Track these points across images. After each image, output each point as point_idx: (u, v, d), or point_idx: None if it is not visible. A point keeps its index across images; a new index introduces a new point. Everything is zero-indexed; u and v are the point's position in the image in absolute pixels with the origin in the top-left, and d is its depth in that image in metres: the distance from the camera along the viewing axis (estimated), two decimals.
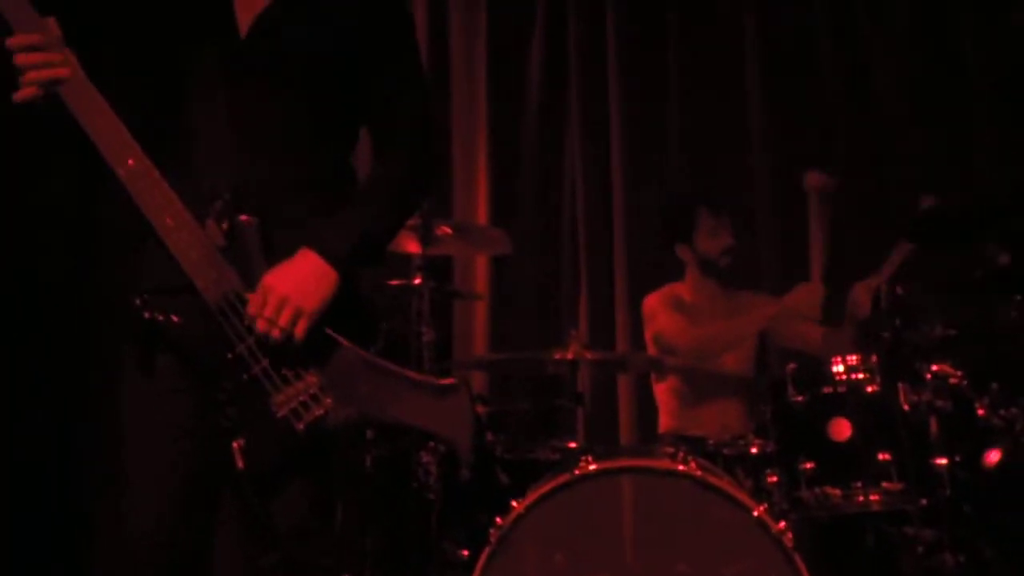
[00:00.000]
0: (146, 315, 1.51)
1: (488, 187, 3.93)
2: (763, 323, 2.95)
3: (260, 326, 1.50)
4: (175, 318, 1.51)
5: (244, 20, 1.61)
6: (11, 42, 1.45)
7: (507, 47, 4.02)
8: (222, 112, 1.58)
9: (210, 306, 1.52)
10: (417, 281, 2.86)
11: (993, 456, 2.42)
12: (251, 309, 1.51)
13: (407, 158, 1.67)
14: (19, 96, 1.47)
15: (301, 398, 1.52)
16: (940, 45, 3.72)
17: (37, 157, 2.99)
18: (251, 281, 1.53)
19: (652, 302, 3.22)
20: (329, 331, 1.55)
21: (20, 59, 1.46)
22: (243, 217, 1.53)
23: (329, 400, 1.53)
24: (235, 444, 1.49)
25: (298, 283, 1.51)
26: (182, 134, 1.60)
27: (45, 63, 1.46)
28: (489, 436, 2.79)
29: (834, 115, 3.76)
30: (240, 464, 1.49)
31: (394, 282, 2.97)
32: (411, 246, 2.93)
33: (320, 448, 1.54)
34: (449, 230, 2.95)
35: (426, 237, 2.87)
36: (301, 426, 1.51)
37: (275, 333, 1.51)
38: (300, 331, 1.51)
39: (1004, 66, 3.48)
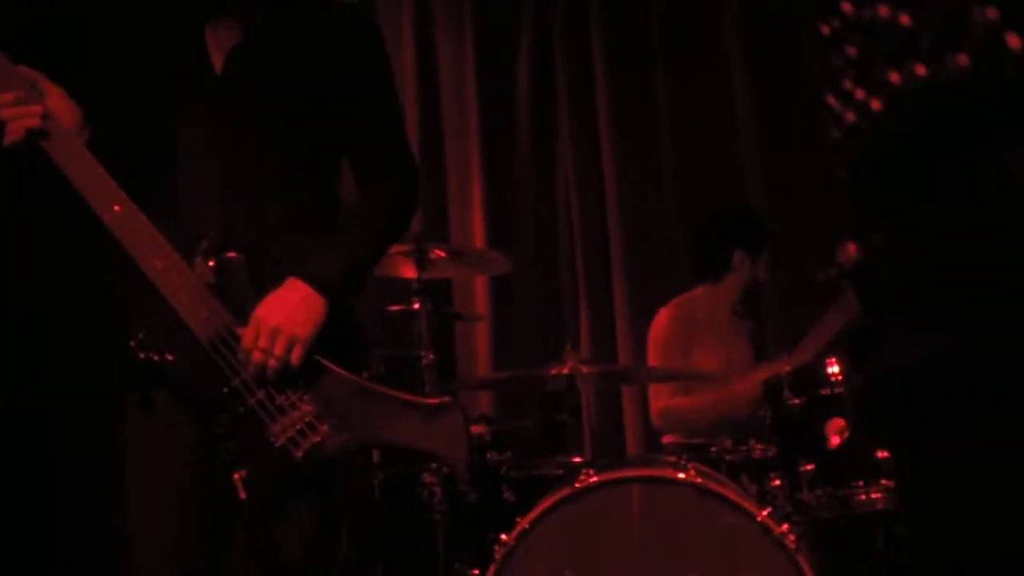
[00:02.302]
0: (141, 355, 1.56)
1: (483, 209, 3.98)
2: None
3: (256, 357, 1.54)
4: (169, 356, 1.56)
5: (217, 59, 1.66)
6: None
7: (495, 69, 4.07)
8: (204, 151, 1.63)
9: (203, 343, 1.56)
10: (416, 306, 2.90)
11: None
12: (245, 342, 1.55)
13: (389, 187, 1.73)
14: (6, 141, 1.55)
15: (298, 426, 1.57)
16: None
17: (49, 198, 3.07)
18: (242, 316, 1.57)
19: (662, 329, 3.15)
20: (321, 359, 1.59)
21: (2, 113, 1.54)
22: (230, 254, 1.58)
23: (325, 427, 1.57)
24: (236, 476, 1.54)
25: (289, 312, 1.55)
26: (166, 174, 1.65)
27: (24, 115, 1.53)
28: (495, 455, 2.82)
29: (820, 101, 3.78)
30: (242, 495, 1.53)
31: (393, 308, 3.01)
32: (408, 271, 2.97)
33: (321, 473, 1.58)
34: (444, 253, 2.99)
35: (422, 261, 2.91)
36: (299, 454, 1.56)
37: (271, 363, 1.55)
38: (296, 358, 1.56)
39: None
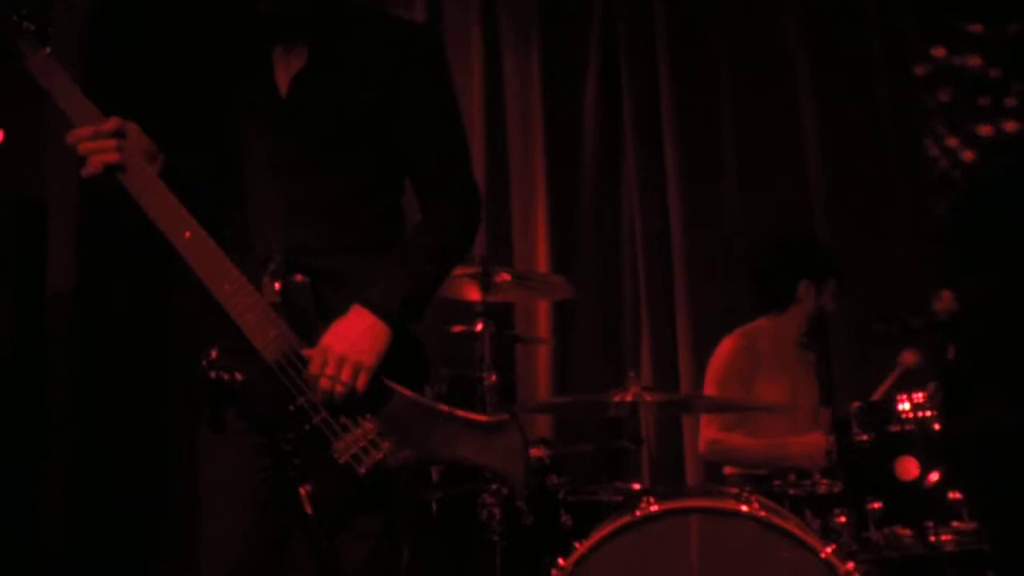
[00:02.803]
0: (212, 375, 1.61)
1: (547, 234, 3.99)
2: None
3: (323, 384, 1.58)
4: (239, 376, 1.60)
5: (283, 81, 1.70)
6: (71, 135, 1.61)
7: (562, 94, 4.09)
8: (269, 175, 1.68)
9: (270, 363, 1.60)
10: (479, 327, 2.92)
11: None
12: (312, 369, 1.59)
13: (450, 211, 1.74)
14: (84, 172, 1.62)
15: (361, 444, 1.60)
16: None
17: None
18: (307, 337, 1.62)
19: (724, 358, 3.12)
20: (384, 378, 1.63)
21: (82, 148, 1.61)
22: (296, 277, 1.63)
23: (387, 444, 1.60)
24: (302, 491, 1.57)
25: (354, 341, 1.59)
26: (234, 199, 1.70)
27: (101, 149, 1.60)
28: (553, 478, 2.81)
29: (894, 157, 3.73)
30: (309, 509, 1.57)
31: (457, 328, 3.04)
32: (472, 293, 2.99)
33: (383, 489, 1.61)
34: (508, 277, 3.01)
35: (486, 284, 2.93)
36: (363, 470, 1.59)
37: (339, 389, 1.58)
38: (361, 385, 1.60)
39: None
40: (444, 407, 1.65)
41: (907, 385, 2.68)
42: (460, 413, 1.65)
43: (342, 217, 1.67)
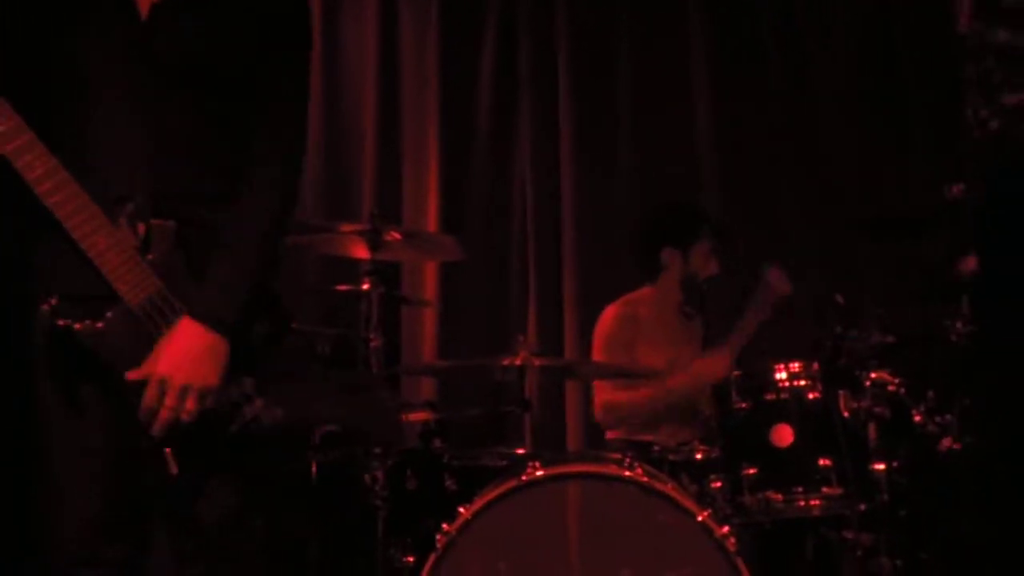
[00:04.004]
0: (60, 323, 1.46)
1: (438, 194, 3.93)
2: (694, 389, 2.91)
3: (164, 416, 1.47)
4: (98, 324, 1.46)
5: (144, 4, 1.54)
6: None
7: (457, 52, 4.02)
8: (126, 108, 1.52)
9: (132, 309, 1.48)
10: (365, 286, 2.85)
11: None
12: (147, 401, 1.46)
13: (268, 179, 1.58)
14: None
15: (233, 399, 1.52)
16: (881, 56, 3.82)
17: None
18: (170, 285, 1.50)
19: (607, 326, 3.13)
20: (248, 337, 1.54)
21: None
22: (160, 220, 1.50)
23: (259, 402, 1.53)
24: (167, 450, 1.48)
25: (193, 364, 1.47)
26: (86, 131, 1.53)
27: None
28: (437, 442, 2.79)
29: (780, 121, 3.84)
30: (173, 470, 1.48)
31: (342, 287, 2.96)
32: (360, 251, 2.91)
33: (246, 449, 1.54)
34: (398, 236, 2.94)
35: (375, 242, 2.86)
36: (234, 427, 1.51)
37: (184, 417, 1.47)
38: (210, 403, 1.49)
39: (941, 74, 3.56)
40: (314, 367, 1.60)
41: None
42: (329, 373, 1.61)
43: (210, 161, 1.55)
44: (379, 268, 2.89)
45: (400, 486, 2.57)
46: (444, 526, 2.19)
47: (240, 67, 1.57)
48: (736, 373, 2.59)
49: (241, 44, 1.56)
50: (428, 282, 3.89)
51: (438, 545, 2.17)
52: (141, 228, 1.49)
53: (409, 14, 4.04)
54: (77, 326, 1.46)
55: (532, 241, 3.92)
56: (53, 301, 1.46)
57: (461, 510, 2.21)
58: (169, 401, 1.46)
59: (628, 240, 3.33)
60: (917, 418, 2.57)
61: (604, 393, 3.08)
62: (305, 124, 1.69)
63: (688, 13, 3.93)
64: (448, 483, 2.58)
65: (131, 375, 1.47)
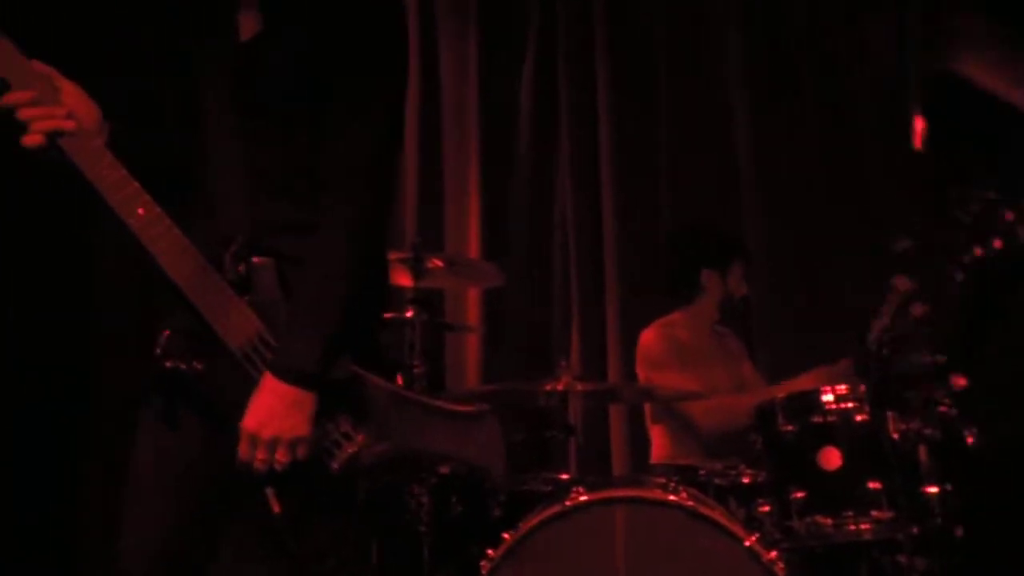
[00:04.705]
0: (168, 364, 1.48)
1: (479, 220, 3.96)
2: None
3: (259, 467, 1.46)
4: (198, 365, 1.48)
5: (248, 26, 1.56)
6: (7, 99, 1.44)
7: (498, 81, 4.07)
8: (226, 148, 1.55)
9: (233, 351, 1.48)
10: (409, 314, 2.88)
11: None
12: (242, 455, 1.47)
13: (342, 216, 1.51)
14: (26, 141, 1.45)
15: (332, 437, 1.49)
16: None
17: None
18: (271, 323, 1.50)
19: (652, 346, 3.11)
20: (356, 368, 1.51)
21: (23, 114, 1.45)
22: (259, 258, 1.50)
23: (361, 437, 1.49)
24: (269, 490, 1.47)
25: (279, 420, 1.45)
26: (191, 175, 1.57)
27: (47, 115, 1.45)
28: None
29: (817, 148, 3.81)
30: (276, 508, 1.47)
31: (386, 315, 2.98)
32: (403, 279, 2.95)
33: (352, 486, 1.52)
34: (441, 263, 2.98)
35: (418, 270, 2.89)
36: (336, 466, 1.49)
37: (278, 467, 1.47)
38: (302, 454, 1.47)
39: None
40: (422, 397, 1.58)
41: (902, 313, 2.65)
42: (438, 403, 1.58)
43: (299, 194, 1.54)
44: (422, 295, 2.92)
45: (445, 511, 2.58)
46: (489, 552, 2.19)
47: (329, 97, 1.54)
48: (781, 395, 2.56)
49: (332, 74, 1.54)
50: (471, 308, 3.92)
51: (483, 571, 2.17)
52: (240, 268, 1.50)
53: (448, 44, 4.11)
54: (183, 366, 1.47)
55: (574, 266, 3.93)
56: (165, 337, 1.48)
57: (505, 536, 2.21)
58: (260, 455, 1.46)
59: (664, 263, 3.32)
60: (969, 439, 2.51)
61: (692, 407, 3.01)
62: (387, 152, 1.60)
63: (727, 39, 3.93)
64: (493, 508, 2.58)
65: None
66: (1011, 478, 2.44)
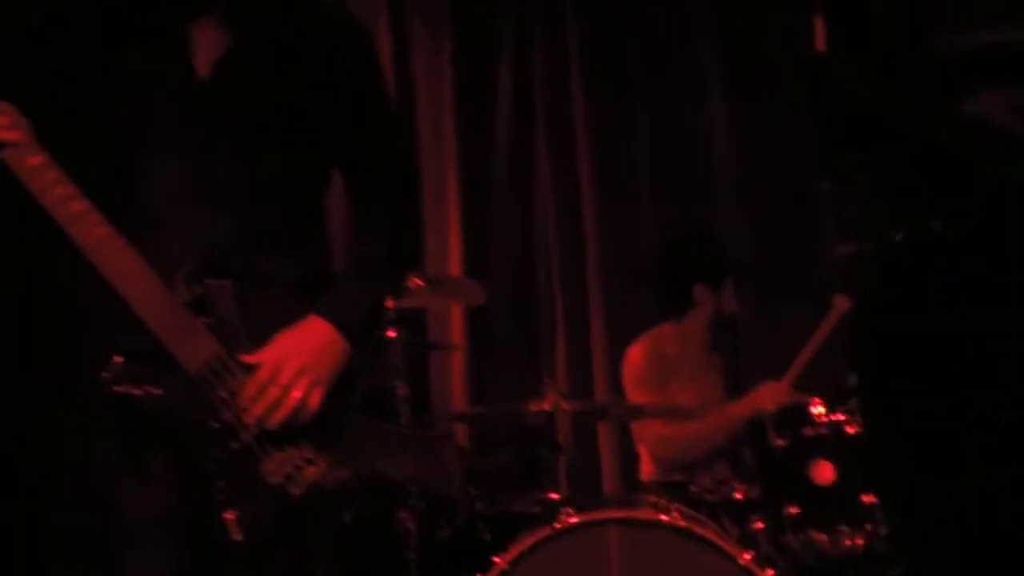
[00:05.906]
0: (117, 389, 1.43)
1: (460, 238, 3.93)
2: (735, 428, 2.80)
3: (273, 392, 1.43)
4: (154, 391, 1.44)
5: (202, 62, 1.54)
6: None
7: (474, 96, 4.04)
8: (182, 166, 1.51)
9: (191, 373, 1.44)
10: (391, 334, 2.83)
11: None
12: (262, 375, 1.44)
13: (395, 210, 1.63)
14: None
15: (294, 462, 1.46)
16: None
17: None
18: (230, 346, 1.47)
19: (635, 364, 3.06)
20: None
21: None
22: (215, 280, 1.47)
23: (324, 462, 1.46)
24: (229, 516, 1.43)
25: (312, 353, 1.46)
26: (141, 191, 1.53)
27: None
28: (471, 490, 2.74)
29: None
30: (237, 536, 1.43)
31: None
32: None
33: (305, 510, 1.48)
34: (421, 282, 2.93)
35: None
36: (298, 491, 1.45)
37: (289, 403, 1.44)
38: (315, 401, 1.45)
39: None
40: (382, 423, 1.55)
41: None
42: (397, 429, 1.56)
43: (264, 211, 1.52)
44: (404, 315, 2.87)
45: (433, 536, 2.53)
46: None
47: (299, 118, 1.55)
48: (771, 409, 2.53)
49: (307, 94, 1.55)
50: (455, 327, 3.88)
51: None
52: (197, 289, 1.47)
53: (423, 61, 4.08)
54: (136, 392, 1.43)
55: (557, 281, 3.90)
56: (117, 360, 1.44)
57: (496, 561, 2.16)
58: (283, 378, 1.43)
59: (655, 277, 3.28)
60: None
61: (654, 429, 3.00)
62: (403, 145, 1.76)
63: (698, 40, 3.90)
64: (481, 531, 2.53)
65: (244, 359, 1.45)
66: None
